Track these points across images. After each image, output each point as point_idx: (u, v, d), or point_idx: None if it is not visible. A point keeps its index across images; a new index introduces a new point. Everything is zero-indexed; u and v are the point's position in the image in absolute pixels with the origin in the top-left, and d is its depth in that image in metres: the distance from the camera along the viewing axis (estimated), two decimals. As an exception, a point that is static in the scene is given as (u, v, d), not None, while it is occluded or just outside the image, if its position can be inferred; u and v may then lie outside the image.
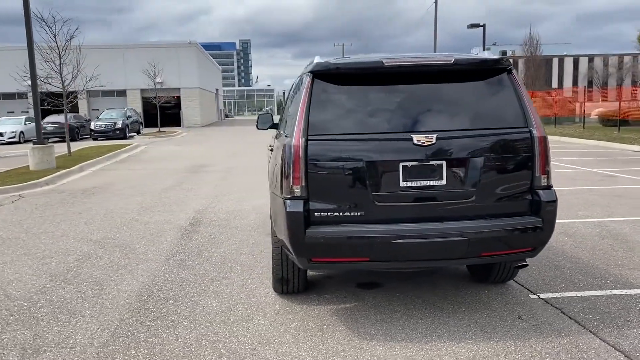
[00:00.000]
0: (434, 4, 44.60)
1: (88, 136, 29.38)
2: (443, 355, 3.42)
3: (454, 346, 3.54)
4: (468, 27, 34.80)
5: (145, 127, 36.48)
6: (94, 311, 4.25)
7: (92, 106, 40.74)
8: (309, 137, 3.61)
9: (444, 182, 3.64)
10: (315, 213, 3.61)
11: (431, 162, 3.61)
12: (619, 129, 23.60)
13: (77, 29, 17.19)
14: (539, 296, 4.39)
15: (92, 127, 28.96)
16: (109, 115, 30.21)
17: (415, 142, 3.58)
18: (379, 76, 3.78)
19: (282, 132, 4.72)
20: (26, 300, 4.50)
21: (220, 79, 71.07)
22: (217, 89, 61.41)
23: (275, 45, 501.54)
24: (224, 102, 75.87)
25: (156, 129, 35.14)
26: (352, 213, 3.63)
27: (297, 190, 3.61)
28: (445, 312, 4.09)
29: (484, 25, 34.20)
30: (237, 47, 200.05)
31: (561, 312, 4.06)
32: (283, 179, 3.71)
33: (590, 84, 60.46)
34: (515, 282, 4.72)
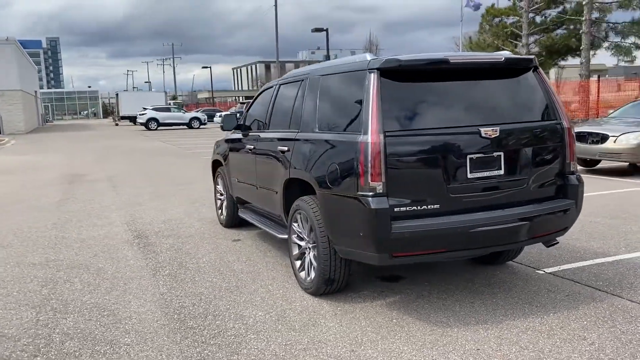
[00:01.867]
0: (274, 7, 45.47)
1: None
2: (520, 331, 3.69)
3: (513, 323, 3.83)
4: (312, 31, 36.09)
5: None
6: (137, 339, 3.77)
7: None
8: (387, 133, 3.63)
9: (502, 172, 3.93)
10: (395, 208, 3.65)
11: (493, 154, 3.88)
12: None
13: None
14: (544, 271, 4.92)
15: None
16: None
17: (483, 134, 3.82)
18: (441, 73, 3.94)
19: (281, 129, 4.95)
20: (34, 339, 3.81)
21: (37, 80, 64.32)
22: (35, 91, 55.43)
23: (88, 44, 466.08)
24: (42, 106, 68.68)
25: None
26: (430, 206, 3.75)
27: (379, 187, 3.62)
28: (480, 294, 4.39)
29: (326, 30, 35.77)
30: (44, 45, 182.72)
31: (574, 282, 4.61)
32: (357, 177, 3.68)
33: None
34: (514, 262, 5.20)
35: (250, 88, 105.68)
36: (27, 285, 4.99)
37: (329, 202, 4.01)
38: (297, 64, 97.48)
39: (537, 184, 4.10)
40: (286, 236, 5.01)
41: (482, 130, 3.82)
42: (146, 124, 39.02)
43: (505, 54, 4.22)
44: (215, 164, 7.38)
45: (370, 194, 3.62)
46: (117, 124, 52.29)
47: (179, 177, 12.40)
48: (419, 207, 3.73)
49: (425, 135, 3.75)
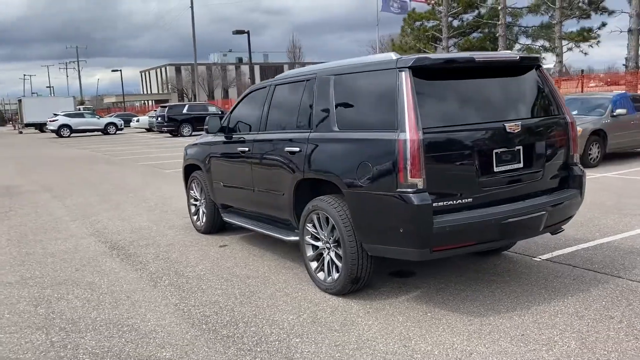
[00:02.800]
0: (191, 8, 44.50)
1: None
2: (551, 315, 3.90)
3: (540, 308, 4.03)
4: (233, 33, 35.66)
5: None
6: (177, 353, 3.58)
7: None
8: (424, 130, 3.70)
9: (521, 165, 4.13)
10: (434, 203, 3.73)
11: (514, 148, 4.07)
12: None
13: None
14: (541, 259, 5.21)
15: None
16: None
17: (508, 129, 3.99)
18: (466, 71, 4.07)
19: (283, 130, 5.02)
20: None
21: None
22: None
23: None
24: None
25: None
26: (464, 200, 3.87)
27: (420, 183, 3.68)
28: (495, 284, 4.58)
29: (248, 32, 35.48)
30: None
31: (573, 266, 4.92)
32: (396, 174, 3.72)
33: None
34: (509, 252, 5.46)
35: (160, 91, 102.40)
36: (16, 306, 4.59)
37: (361, 201, 4.02)
38: (209, 66, 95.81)
39: (549, 176, 4.34)
40: (295, 238, 4.96)
41: (507, 125, 3.99)
42: (58, 131, 36.80)
43: (506, 53, 4.42)
44: (189, 169, 7.12)
45: (412, 190, 3.68)
46: (20, 132, 48.84)
47: (122, 185, 11.83)
48: (454, 201, 3.83)
49: (457, 131, 3.86)
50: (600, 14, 22.04)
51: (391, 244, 3.92)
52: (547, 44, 23.91)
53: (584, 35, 22.29)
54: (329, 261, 4.49)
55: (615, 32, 17.75)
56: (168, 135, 32.01)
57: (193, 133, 31.67)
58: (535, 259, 5.21)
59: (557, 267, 4.94)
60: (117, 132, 39.87)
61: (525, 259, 5.21)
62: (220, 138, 6.20)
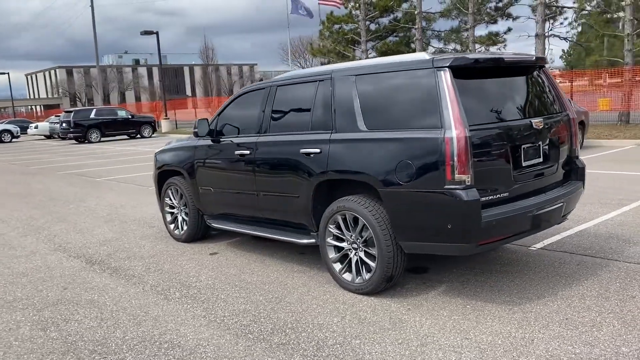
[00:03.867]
0: (91, 7, 42.23)
1: None
2: (578, 299, 4.16)
3: (565, 293, 4.29)
4: (141, 34, 34.33)
5: None
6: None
7: None
8: (470, 127, 3.81)
9: (541, 159, 4.37)
10: (481, 198, 3.86)
11: (537, 143, 4.30)
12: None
13: None
14: (536, 248, 5.52)
15: None
16: None
17: (534, 126, 4.21)
18: (494, 70, 4.22)
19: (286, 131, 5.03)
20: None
21: None
22: None
23: None
24: None
25: None
26: (502, 194, 4.03)
27: (468, 179, 3.79)
28: (511, 274, 4.79)
29: (157, 33, 34.28)
30: None
31: (568, 253, 5.27)
32: (442, 171, 3.80)
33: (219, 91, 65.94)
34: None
35: (50, 95, 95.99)
36: (19, 331, 4.16)
37: (401, 199, 4.05)
38: (103, 69, 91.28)
39: (560, 169, 4.62)
40: (310, 241, 4.90)
41: (534, 122, 4.21)
42: (-56, 140, 33.40)
43: (522, 54, 4.66)
44: (163, 176, 6.79)
45: (461, 186, 3.77)
46: None
47: (56, 196, 10.99)
48: (494, 195, 3.98)
49: (494, 128, 4.02)
50: (506, 19, 23.71)
51: (435, 241, 4.00)
52: (458, 47, 25.31)
53: (493, 39, 23.91)
54: (356, 261, 4.48)
55: (523, 36, 19.13)
56: (74, 142, 30.13)
57: (102, 139, 30.10)
58: (531, 248, 5.51)
59: (555, 254, 5.25)
60: (13, 139, 36.94)
61: (522, 249, 5.50)
62: (206, 142, 5.97)
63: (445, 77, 3.89)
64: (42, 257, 6.27)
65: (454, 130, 3.76)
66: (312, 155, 4.67)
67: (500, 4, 23.64)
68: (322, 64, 31.36)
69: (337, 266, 4.64)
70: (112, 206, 9.42)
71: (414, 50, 26.83)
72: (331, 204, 4.58)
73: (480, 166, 3.88)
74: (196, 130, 5.84)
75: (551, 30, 19.45)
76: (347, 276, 4.56)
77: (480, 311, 4.02)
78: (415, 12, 23.51)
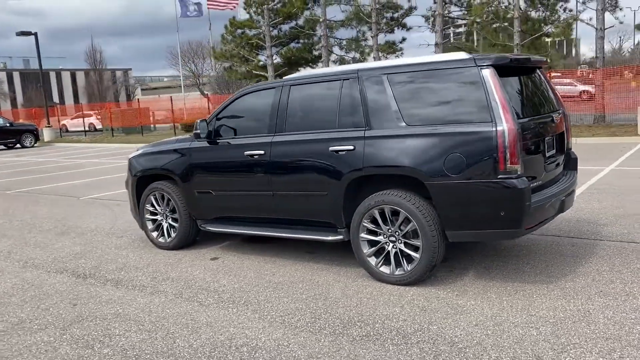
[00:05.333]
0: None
1: None
2: (609, 280, 4.65)
3: (587, 272, 4.77)
4: (17, 35, 31.56)
5: None
6: (349, 358, 3.42)
7: None
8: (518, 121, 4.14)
9: (554, 151, 4.84)
10: None
11: (554, 136, 4.76)
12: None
13: None
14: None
15: None
16: None
17: (555, 120, 4.65)
18: (522, 69, 4.59)
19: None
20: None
21: None
22: None
23: None
24: None
25: None
26: (537, 182, 4.41)
27: (519, 169, 4.11)
28: (528, 259, 5.20)
29: (35, 33, 31.73)
30: None
31: (557, 236, 5.83)
32: (496, 162, 4.09)
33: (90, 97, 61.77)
34: (494, 231, 6.18)
35: None
36: (59, 351, 3.80)
37: (450, 191, 4.26)
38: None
39: (563, 160, 5.13)
40: (338, 237, 4.97)
41: (554, 116, 4.65)
42: None
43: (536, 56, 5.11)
44: (144, 181, 6.44)
45: (514, 176, 4.08)
46: None
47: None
48: (534, 183, 4.35)
49: (532, 121, 4.39)
50: (402, 29, 25.09)
51: (484, 228, 4.26)
52: (357, 56, 26.31)
53: (393, 48, 25.17)
54: (395, 254, 4.62)
55: (424, 45, 20.38)
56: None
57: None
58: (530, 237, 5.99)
59: (547, 239, 5.77)
60: None
61: (523, 240, 5.96)
62: (202, 144, 5.79)
63: (491, 74, 4.19)
64: (17, 276, 5.67)
65: (505, 124, 4.06)
66: (344, 153, 4.74)
67: (396, 15, 24.98)
68: (225, 68, 30.98)
69: (373, 260, 4.74)
70: (53, 219, 8.67)
71: (317, 57, 27.48)
72: (366, 199, 4.68)
73: (524, 156, 4.21)
74: (198, 131, 5.63)
75: (448, 39, 20.93)
76: (385, 269, 4.69)
77: (522, 291, 4.35)
78: (320, 20, 24.08)
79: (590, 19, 19.55)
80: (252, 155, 5.35)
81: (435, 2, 20.78)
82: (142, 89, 74.50)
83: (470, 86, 4.25)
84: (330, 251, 5.70)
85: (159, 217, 6.36)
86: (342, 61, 26.45)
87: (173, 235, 6.24)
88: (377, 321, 3.95)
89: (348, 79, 4.88)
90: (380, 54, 23.43)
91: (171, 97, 29.84)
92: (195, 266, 5.61)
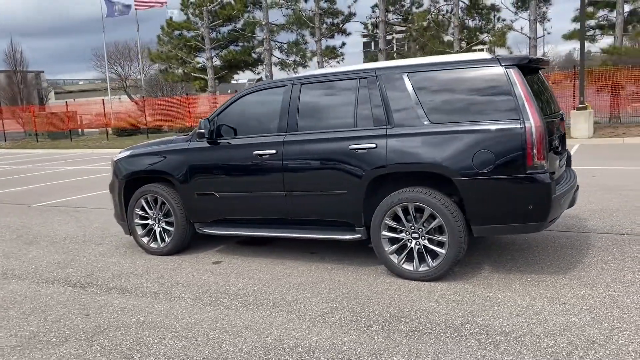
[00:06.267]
0: None
1: None
2: (614, 266, 4.94)
3: (590, 261, 5.05)
4: None
5: None
6: (411, 352, 3.42)
7: None
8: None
9: (560, 149, 5.09)
10: None
11: (559, 135, 5.02)
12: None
13: None
14: (517, 229, 6.28)
15: None
16: None
17: (563, 118, 4.91)
18: (531, 69, 4.78)
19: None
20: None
21: None
22: None
23: None
24: None
25: None
26: (556, 177, 4.62)
27: (545, 164, 4.30)
28: (532, 251, 5.44)
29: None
30: None
31: (549, 230, 6.12)
32: (524, 158, 4.25)
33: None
34: (487, 227, 6.40)
35: None
36: (99, 363, 3.55)
37: (479, 186, 4.37)
38: None
39: (565, 158, 5.41)
40: (356, 236, 4.98)
41: (561, 115, 4.90)
42: None
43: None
44: (132, 185, 6.14)
45: (541, 171, 4.25)
46: None
47: None
48: (554, 178, 4.55)
49: (549, 119, 4.59)
50: (342, 35, 25.43)
51: (511, 222, 4.41)
52: (298, 59, 26.31)
53: (335, 53, 25.42)
54: (418, 250, 4.69)
55: (367, 51, 20.82)
56: None
57: None
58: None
59: (546, 233, 6.00)
60: None
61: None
62: (202, 144, 5.62)
63: (516, 73, 4.35)
64: (1, 287, 5.24)
65: (533, 121, 4.23)
66: (364, 151, 4.76)
67: (336, 21, 25.28)
68: (160, 70, 30.02)
69: (395, 257, 4.78)
70: (11, 228, 8.09)
71: (257, 60, 27.27)
72: (388, 197, 4.72)
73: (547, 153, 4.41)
74: (202, 131, 5.44)
75: (391, 45, 21.46)
76: (408, 266, 4.73)
77: (543, 282, 4.53)
78: (263, 23, 23.94)
79: (522, 28, 20.71)
80: (261, 155, 5.25)
81: (374, 10, 21.30)
82: (55, 93, 70.63)
83: (496, 85, 4.39)
84: (334, 250, 5.69)
85: (150, 222, 6.08)
86: (283, 64, 26.40)
87: (167, 240, 5.99)
88: (420, 316, 3.98)
89: (365, 78, 4.90)
90: (324, 58, 23.62)
91: (103, 100, 28.55)
92: (200, 270, 5.42)
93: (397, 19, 23.47)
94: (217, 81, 26.33)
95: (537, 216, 4.35)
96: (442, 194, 4.56)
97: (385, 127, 4.74)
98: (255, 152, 5.29)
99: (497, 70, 4.42)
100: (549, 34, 20.92)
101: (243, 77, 31.47)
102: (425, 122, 4.60)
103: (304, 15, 23.79)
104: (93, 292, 4.96)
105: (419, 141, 4.60)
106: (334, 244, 5.90)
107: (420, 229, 4.66)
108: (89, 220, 8.27)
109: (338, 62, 25.53)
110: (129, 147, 6.46)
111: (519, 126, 4.26)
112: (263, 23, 23.82)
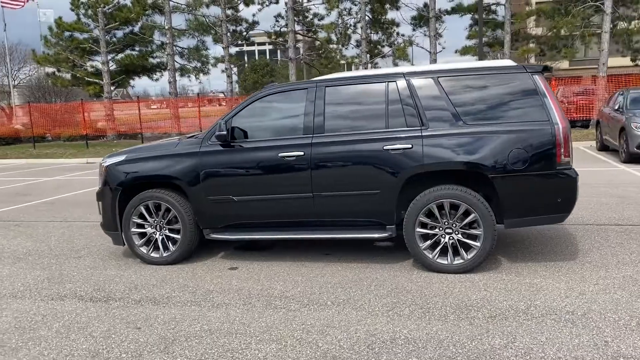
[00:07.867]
0: None
1: None
2: (615, 261, 5.58)
3: (606, 251, 5.68)
4: None
5: None
6: (476, 339, 3.66)
7: None
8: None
9: (558, 147, 5.68)
10: None
11: (561, 135, 5.60)
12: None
13: None
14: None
15: None
16: None
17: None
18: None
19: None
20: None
21: None
22: None
23: None
24: None
25: None
26: (570, 172, 5.17)
27: (570, 161, 4.81)
28: (546, 246, 5.96)
29: None
30: None
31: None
32: (554, 155, 4.73)
33: None
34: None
35: None
36: (203, 373, 3.38)
37: (514, 182, 4.76)
38: None
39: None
40: (386, 234, 5.17)
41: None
42: None
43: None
44: (129, 192, 5.78)
45: (568, 167, 4.76)
46: None
47: None
48: (570, 174, 5.09)
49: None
50: (245, 42, 25.34)
51: (541, 214, 4.85)
52: (199, 65, 25.70)
53: (242, 61, 25.20)
54: (452, 244, 4.98)
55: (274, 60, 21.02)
56: None
57: None
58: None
59: (536, 227, 6.55)
60: None
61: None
62: (215, 147, 5.47)
63: (542, 79, 4.83)
64: (4, 308, 4.68)
65: (560, 122, 4.72)
66: (400, 151, 4.96)
67: (239, 28, 25.13)
68: (48, 74, 27.63)
69: (429, 253, 5.02)
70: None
71: (156, 65, 26.21)
72: (423, 195, 4.95)
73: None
74: (223, 132, 5.29)
75: (299, 56, 21.84)
76: (442, 260, 5.00)
77: (564, 268, 5.01)
78: (166, 28, 23.10)
79: (419, 43, 22.19)
80: (287, 157, 5.23)
81: (277, 20, 21.53)
82: None
83: (524, 89, 4.83)
84: (347, 250, 5.81)
85: (149, 230, 5.75)
86: (183, 70, 25.64)
87: (172, 248, 5.70)
88: (484, 304, 4.25)
89: (394, 82, 5.11)
90: (232, 65, 23.37)
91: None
92: (223, 277, 5.25)
93: (301, 29, 23.91)
94: (113, 87, 24.87)
95: (564, 207, 4.84)
96: (473, 189, 4.89)
97: (420, 128, 4.97)
98: (281, 154, 5.26)
99: (524, 76, 4.86)
100: (443, 48, 22.65)
101: (139, 84, 29.86)
102: (459, 123, 4.91)
103: (207, 21, 23.37)
104: (121, 305, 4.62)
105: (455, 141, 4.89)
106: (341, 243, 6.02)
107: (455, 224, 4.94)
108: (40, 234, 7.55)
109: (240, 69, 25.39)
110: (121, 152, 6.05)
111: (549, 127, 4.72)
112: (166, 27, 22.99)
